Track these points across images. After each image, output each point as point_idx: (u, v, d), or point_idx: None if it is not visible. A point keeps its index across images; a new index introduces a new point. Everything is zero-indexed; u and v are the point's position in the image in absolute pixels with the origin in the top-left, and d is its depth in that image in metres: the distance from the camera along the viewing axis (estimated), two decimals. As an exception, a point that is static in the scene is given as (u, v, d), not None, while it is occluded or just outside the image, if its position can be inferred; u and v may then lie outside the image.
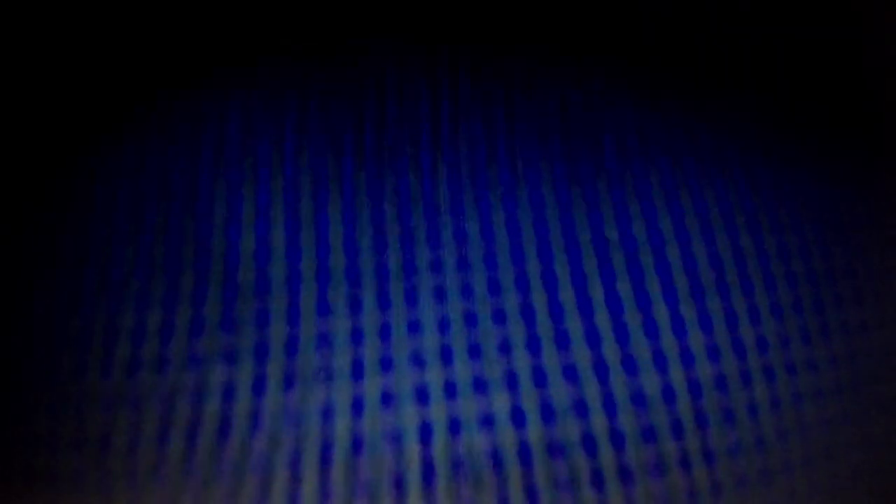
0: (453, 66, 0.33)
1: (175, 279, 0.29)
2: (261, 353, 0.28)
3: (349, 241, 0.30)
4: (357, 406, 0.28)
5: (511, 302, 0.29)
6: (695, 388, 0.29)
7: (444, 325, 0.29)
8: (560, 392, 0.28)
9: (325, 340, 0.28)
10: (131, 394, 0.28)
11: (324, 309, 0.29)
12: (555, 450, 0.28)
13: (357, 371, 0.28)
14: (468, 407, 0.28)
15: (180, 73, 0.33)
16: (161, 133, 0.32)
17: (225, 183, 0.31)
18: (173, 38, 0.34)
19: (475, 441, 0.27)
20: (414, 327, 0.29)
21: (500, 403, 0.28)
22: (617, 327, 0.29)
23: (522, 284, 0.30)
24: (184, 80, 0.33)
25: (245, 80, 0.33)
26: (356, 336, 0.28)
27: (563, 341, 0.29)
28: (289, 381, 0.28)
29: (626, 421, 0.28)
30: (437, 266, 0.30)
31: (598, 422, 0.28)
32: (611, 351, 0.29)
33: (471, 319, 0.29)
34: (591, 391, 0.28)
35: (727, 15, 0.36)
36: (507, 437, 0.27)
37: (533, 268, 0.30)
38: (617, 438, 0.28)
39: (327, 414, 0.27)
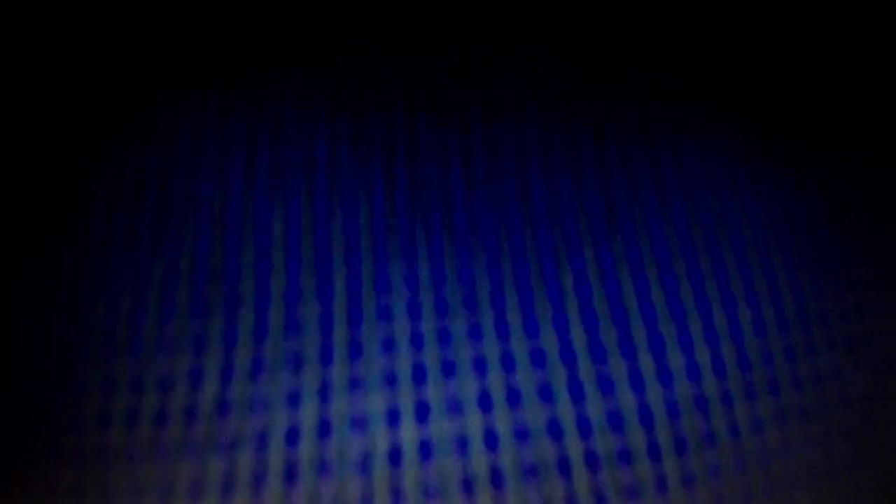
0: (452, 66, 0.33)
1: (175, 280, 0.29)
2: (269, 365, 0.28)
3: (351, 244, 0.30)
4: (325, 427, 0.27)
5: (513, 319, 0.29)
6: (698, 403, 0.29)
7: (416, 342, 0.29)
8: (535, 414, 0.28)
9: (327, 354, 0.28)
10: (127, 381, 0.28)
11: (326, 320, 0.29)
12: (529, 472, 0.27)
13: (324, 391, 0.28)
14: (441, 430, 0.27)
15: (183, 73, 0.33)
16: (162, 134, 0.32)
17: (226, 185, 0.31)
18: (178, 38, 0.34)
19: (448, 465, 0.27)
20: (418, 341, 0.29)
21: (474, 425, 0.28)
22: (623, 342, 0.29)
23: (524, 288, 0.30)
24: (186, 80, 0.33)
25: (248, 81, 0.33)
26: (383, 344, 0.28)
27: (538, 360, 0.29)
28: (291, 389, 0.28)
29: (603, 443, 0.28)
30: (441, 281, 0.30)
31: (574, 444, 0.28)
32: (586, 370, 0.29)
33: (445, 337, 0.29)
34: (565, 412, 0.28)
35: (727, 15, 0.36)
36: (480, 460, 0.27)
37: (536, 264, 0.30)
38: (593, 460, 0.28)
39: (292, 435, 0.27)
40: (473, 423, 0.28)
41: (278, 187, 0.31)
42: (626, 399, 0.28)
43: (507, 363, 0.28)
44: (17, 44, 0.34)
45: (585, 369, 0.29)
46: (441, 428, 0.27)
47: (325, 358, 0.28)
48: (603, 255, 0.30)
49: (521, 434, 0.28)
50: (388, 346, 0.28)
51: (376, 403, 0.28)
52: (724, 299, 0.30)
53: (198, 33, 0.34)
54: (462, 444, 0.27)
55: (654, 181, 0.32)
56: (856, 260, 0.33)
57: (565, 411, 0.28)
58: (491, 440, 0.27)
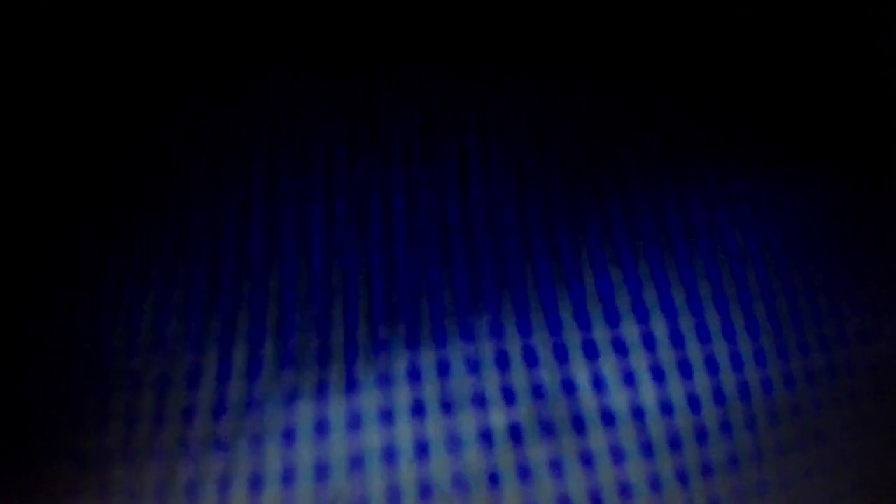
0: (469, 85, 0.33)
1: (191, 275, 0.29)
2: (287, 361, 0.28)
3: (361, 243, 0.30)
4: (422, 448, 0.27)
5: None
6: (694, 403, 0.29)
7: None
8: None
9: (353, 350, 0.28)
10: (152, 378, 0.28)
11: (353, 318, 0.29)
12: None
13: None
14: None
15: (201, 74, 0.33)
16: (183, 133, 0.32)
17: (240, 186, 0.31)
18: (199, 40, 0.34)
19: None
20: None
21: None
22: (645, 338, 0.29)
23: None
24: (205, 81, 0.33)
25: (262, 86, 0.33)
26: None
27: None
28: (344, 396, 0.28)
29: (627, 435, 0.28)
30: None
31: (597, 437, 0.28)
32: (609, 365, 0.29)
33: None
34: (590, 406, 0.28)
35: (727, 15, 0.36)
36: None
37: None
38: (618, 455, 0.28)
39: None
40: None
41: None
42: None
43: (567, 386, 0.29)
44: (44, 46, 0.34)
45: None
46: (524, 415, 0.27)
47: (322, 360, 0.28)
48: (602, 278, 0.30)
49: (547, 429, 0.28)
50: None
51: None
52: (717, 300, 0.30)
53: (220, 36, 0.34)
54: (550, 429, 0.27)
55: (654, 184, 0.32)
56: (854, 262, 0.33)
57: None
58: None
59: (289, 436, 0.27)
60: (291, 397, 0.28)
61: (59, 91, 0.33)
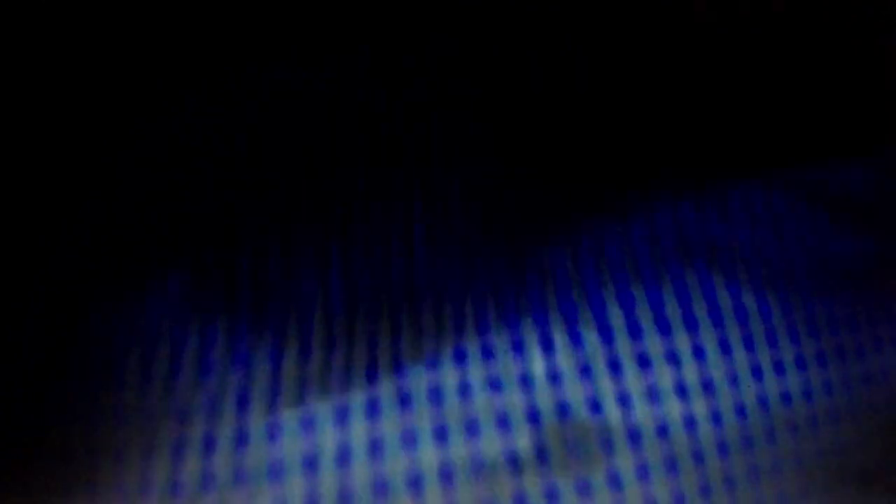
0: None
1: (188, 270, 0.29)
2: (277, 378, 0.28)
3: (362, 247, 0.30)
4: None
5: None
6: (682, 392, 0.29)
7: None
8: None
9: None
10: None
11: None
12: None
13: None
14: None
15: (201, 74, 0.33)
16: (183, 133, 0.32)
17: (235, 180, 0.31)
18: (199, 40, 0.34)
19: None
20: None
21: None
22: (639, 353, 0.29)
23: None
24: (205, 81, 0.33)
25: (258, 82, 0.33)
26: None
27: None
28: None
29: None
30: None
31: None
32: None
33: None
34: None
35: (727, 16, 0.36)
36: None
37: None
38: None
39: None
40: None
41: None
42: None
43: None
44: (51, 45, 0.34)
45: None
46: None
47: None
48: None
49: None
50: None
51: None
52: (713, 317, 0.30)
53: (222, 34, 0.34)
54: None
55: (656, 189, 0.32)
56: (857, 266, 0.33)
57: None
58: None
59: (273, 433, 0.27)
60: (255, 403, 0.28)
61: (60, 91, 0.33)
